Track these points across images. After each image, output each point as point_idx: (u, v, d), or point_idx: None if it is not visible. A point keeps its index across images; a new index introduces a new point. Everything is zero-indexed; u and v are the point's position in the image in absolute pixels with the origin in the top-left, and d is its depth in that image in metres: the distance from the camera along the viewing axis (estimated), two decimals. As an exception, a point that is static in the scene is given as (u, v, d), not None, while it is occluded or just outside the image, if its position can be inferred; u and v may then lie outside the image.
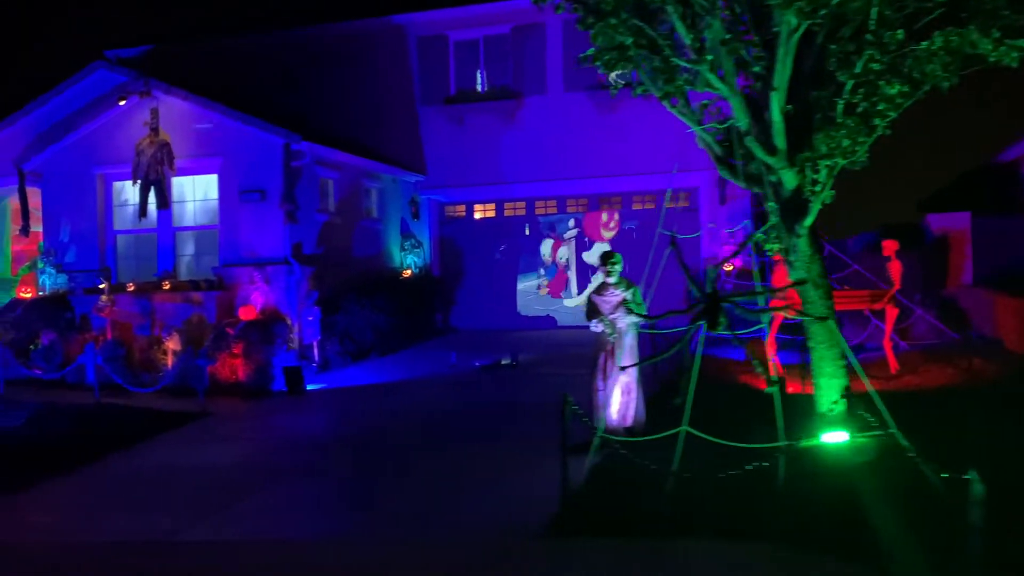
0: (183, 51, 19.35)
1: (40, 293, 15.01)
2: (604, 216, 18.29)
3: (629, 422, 8.60)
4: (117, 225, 15.54)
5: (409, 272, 17.93)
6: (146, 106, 14.76)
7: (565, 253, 18.51)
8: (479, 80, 18.38)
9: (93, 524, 7.05)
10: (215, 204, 15.03)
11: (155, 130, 14.61)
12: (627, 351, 8.46)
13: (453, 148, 18.45)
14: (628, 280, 8.69)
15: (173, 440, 10.07)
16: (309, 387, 12.87)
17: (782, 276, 10.82)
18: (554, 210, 18.50)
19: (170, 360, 13.41)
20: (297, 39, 19.04)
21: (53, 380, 13.50)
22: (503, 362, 13.85)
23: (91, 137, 15.33)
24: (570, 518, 6.37)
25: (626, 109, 17.28)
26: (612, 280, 8.57)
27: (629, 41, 7.26)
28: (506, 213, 18.86)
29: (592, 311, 8.63)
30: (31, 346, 13.92)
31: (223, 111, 14.37)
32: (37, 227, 18.02)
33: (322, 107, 18.66)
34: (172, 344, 13.34)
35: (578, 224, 18.51)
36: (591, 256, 18.14)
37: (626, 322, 8.47)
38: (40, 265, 17.46)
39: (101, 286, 14.14)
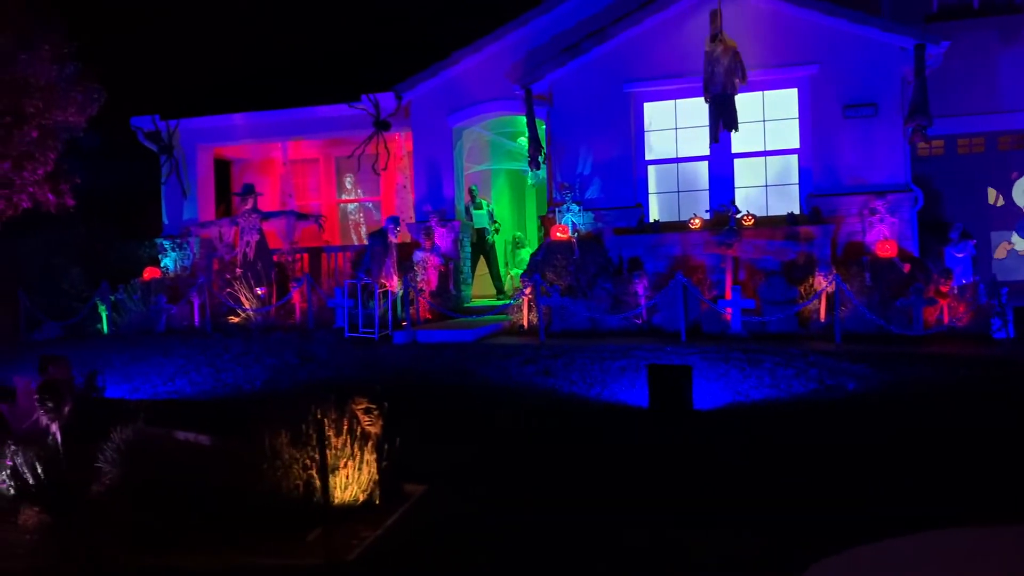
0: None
1: (572, 235, 12.61)
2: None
3: None
4: (649, 154, 13.12)
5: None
6: (703, 8, 12.35)
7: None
8: (971, -7, 15.94)
9: None
10: (786, 123, 12.63)
11: (718, 35, 12.17)
12: None
13: (933, 72, 15.99)
14: None
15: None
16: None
17: None
18: (1070, 142, 16.05)
19: (823, 306, 11.01)
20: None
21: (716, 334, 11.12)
22: None
23: (621, 50, 12.90)
24: None
25: None
26: None
27: None
28: (1000, 148, 16.41)
29: None
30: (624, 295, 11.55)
31: (828, 10, 11.93)
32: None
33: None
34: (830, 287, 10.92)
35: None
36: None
37: None
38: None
39: (739, 216, 11.80)
